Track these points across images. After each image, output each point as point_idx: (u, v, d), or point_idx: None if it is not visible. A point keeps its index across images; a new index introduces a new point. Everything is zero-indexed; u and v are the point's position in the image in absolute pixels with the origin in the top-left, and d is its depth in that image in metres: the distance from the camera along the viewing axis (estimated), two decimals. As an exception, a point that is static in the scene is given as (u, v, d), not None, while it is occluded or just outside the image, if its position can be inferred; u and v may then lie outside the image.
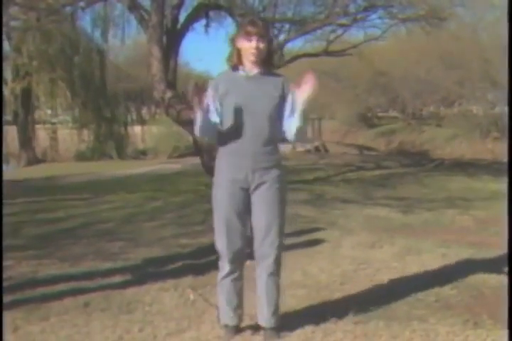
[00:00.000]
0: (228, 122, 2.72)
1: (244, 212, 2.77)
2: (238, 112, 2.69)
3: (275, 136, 2.75)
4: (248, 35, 2.67)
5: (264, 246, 2.77)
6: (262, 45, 2.68)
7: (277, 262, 2.81)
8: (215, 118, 2.72)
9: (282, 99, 2.74)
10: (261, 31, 2.67)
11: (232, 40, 2.74)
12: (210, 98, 2.71)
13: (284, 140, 2.83)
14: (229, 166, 2.74)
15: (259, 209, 2.76)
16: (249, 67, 2.73)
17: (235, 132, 2.70)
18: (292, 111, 2.72)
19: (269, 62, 2.77)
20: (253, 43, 2.67)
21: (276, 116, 2.74)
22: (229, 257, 2.79)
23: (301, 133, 2.74)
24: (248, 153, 2.70)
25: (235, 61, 2.74)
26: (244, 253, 2.84)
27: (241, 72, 2.74)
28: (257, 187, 2.74)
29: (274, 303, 2.84)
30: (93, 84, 16.63)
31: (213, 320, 3.04)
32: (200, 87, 2.60)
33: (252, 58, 2.70)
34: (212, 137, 2.78)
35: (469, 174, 10.96)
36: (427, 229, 5.74)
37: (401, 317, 3.17)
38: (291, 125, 2.73)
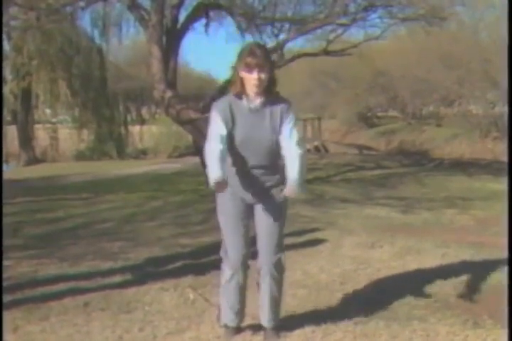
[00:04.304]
0: (232, 149, 2.70)
1: (248, 217, 2.82)
2: (241, 144, 2.69)
3: (276, 162, 2.78)
4: (248, 67, 2.64)
5: (268, 251, 2.80)
6: (263, 76, 2.65)
7: (280, 265, 2.84)
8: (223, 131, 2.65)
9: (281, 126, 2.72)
10: (260, 62, 2.63)
11: (234, 69, 2.71)
12: (217, 120, 2.67)
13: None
14: (231, 184, 2.69)
15: (261, 220, 2.80)
16: (252, 97, 2.70)
17: (238, 159, 2.73)
18: (291, 132, 2.69)
19: (271, 89, 2.73)
20: (254, 74, 2.64)
21: (278, 147, 2.73)
22: (233, 261, 2.81)
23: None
24: (249, 175, 2.74)
25: (238, 89, 2.70)
26: (248, 258, 2.85)
27: (244, 103, 2.70)
28: (258, 202, 2.79)
29: (276, 305, 2.86)
30: (93, 83, 16.64)
31: (213, 320, 3.04)
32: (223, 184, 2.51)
33: (255, 89, 2.68)
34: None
35: (469, 174, 10.95)
36: (426, 229, 5.74)
37: (401, 317, 3.17)
38: (290, 166, 2.64)
